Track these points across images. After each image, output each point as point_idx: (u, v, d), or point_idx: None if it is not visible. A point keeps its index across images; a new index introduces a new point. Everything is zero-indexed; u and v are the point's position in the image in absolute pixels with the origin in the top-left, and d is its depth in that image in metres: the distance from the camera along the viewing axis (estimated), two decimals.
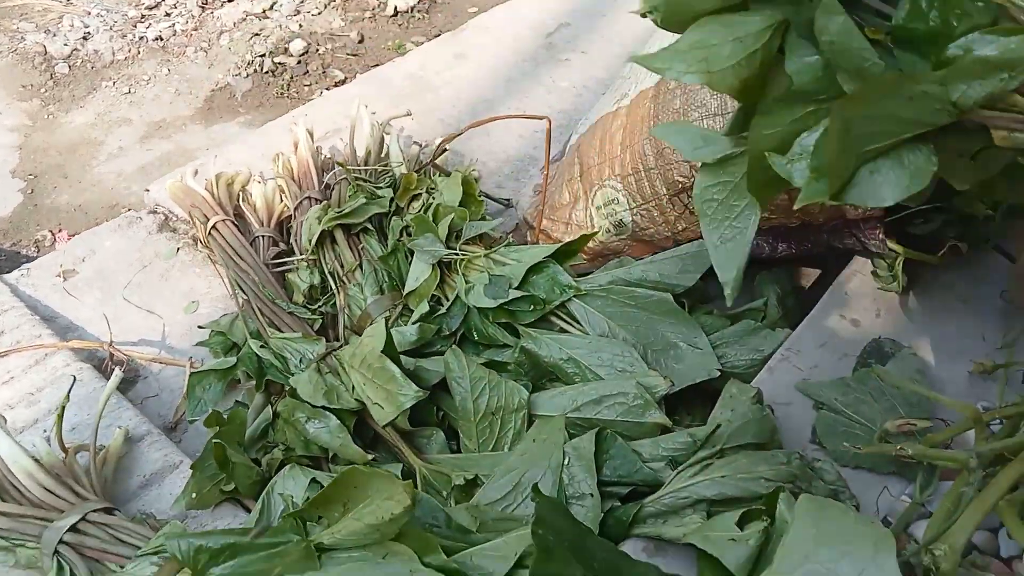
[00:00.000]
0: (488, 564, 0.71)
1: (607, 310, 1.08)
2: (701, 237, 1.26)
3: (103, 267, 1.52)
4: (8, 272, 1.53)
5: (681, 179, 1.17)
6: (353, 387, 1.02)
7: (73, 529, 0.81)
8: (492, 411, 0.99)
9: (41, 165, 2.16)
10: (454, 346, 1.08)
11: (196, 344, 1.30)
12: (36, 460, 0.88)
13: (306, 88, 2.42)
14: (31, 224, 1.97)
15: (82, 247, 1.57)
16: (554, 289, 1.09)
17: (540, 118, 1.22)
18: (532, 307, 1.08)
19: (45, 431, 1.08)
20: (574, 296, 1.08)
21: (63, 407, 0.94)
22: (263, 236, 1.40)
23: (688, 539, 0.78)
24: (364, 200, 1.31)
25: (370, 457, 1.00)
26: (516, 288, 1.09)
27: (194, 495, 0.96)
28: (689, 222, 1.21)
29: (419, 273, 1.15)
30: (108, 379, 1.23)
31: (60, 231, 1.91)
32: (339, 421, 1.01)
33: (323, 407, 1.02)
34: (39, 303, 1.45)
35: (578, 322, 1.09)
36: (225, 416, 1.05)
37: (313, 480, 0.94)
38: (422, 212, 1.26)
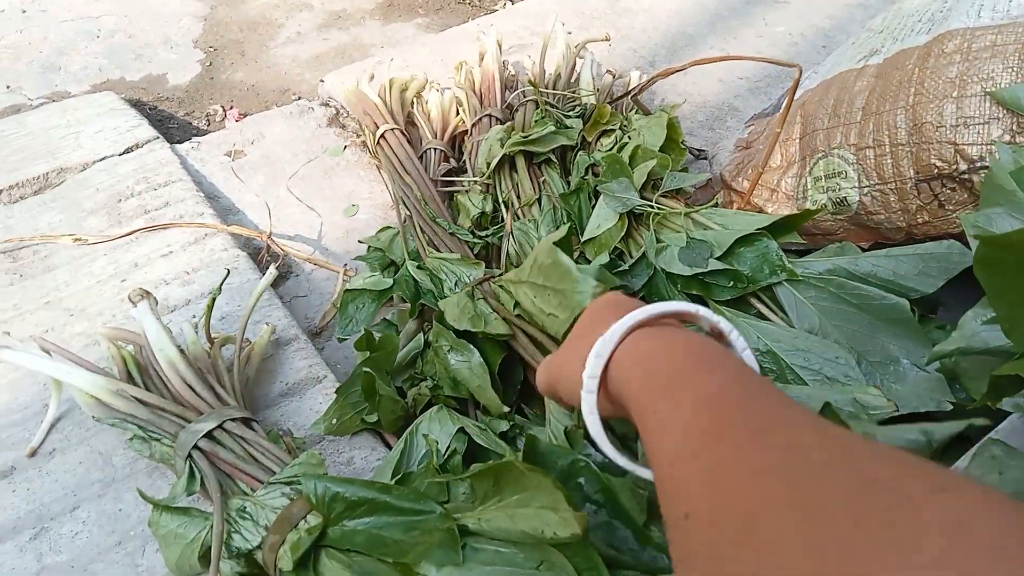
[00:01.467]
0: None
1: (821, 303, 0.92)
2: (942, 235, 1.06)
3: (270, 153, 1.48)
4: (180, 143, 1.51)
5: (939, 163, 0.97)
6: (515, 307, 0.89)
7: (209, 436, 0.75)
8: None
9: (222, 39, 2.16)
10: None
11: (354, 259, 1.23)
12: (181, 350, 0.83)
13: None
14: (205, 97, 1.97)
15: (252, 129, 1.53)
16: (763, 268, 0.93)
17: (792, 65, 1.03)
18: (733, 283, 0.93)
19: (194, 316, 1.05)
20: (785, 280, 0.92)
21: (214, 297, 0.89)
22: (434, 149, 1.30)
23: None
24: (552, 128, 1.17)
25: (505, 410, 0.89)
26: (718, 259, 0.93)
27: (335, 421, 0.90)
28: (934, 215, 1.01)
29: (604, 219, 1.02)
30: (262, 270, 1.19)
31: (231, 107, 1.90)
32: (482, 359, 0.90)
33: (467, 334, 0.92)
34: (205, 179, 1.42)
35: (783, 311, 0.93)
36: (376, 338, 0.97)
37: (461, 430, 0.85)
38: (615, 151, 1.11)
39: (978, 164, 0.95)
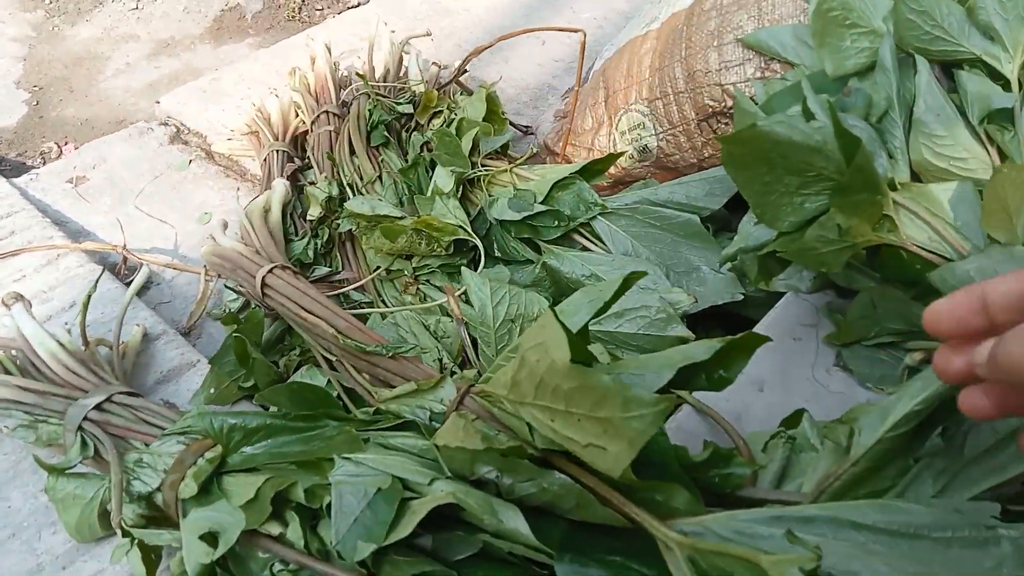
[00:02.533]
0: None
1: (631, 230, 1.07)
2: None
3: (114, 175, 1.50)
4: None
5: (712, 103, 1.15)
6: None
7: (98, 408, 0.80)
8: (511, 318, 0.98)
9: (46, 77, 2.12)
10: (464, 264, 1.08)
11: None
12: (60, 344, 0.87)
13: (318, 12, 2.36)
14: (36, 136, 1.94)
15: (92, 155, 1.54)
16: (579, 206, 1.07)
17: (575, 30, 1.19)
18: (556, 223, 1.07)
19: (67, 324, 1.07)
20: (599, 214, 1.07)
21: (89, 296, 0.93)
22: (277, 151, 1.37)
23: None
24: (383, 115, 1.28)
25: None
26: (541, 203, 1.07)
27: (212, 390, 0.96)
28: (716, 148, 1.19)
29: (442, 184, 1.13)
30: (121, 282, 1.22)
31: (66, 143, 1.88)
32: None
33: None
34: (49, 207, 1.42)
35: (601, 241, 1.08)
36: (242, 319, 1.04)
37: (329, 381, 0.94)
38: (444, 127, 1.23)
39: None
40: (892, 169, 0.86)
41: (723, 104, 1.14)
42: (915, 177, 0.86)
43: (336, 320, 0.89)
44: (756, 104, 1.04)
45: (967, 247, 0.77)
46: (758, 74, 1.12)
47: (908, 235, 0.79)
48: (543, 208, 1.06)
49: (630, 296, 0.97)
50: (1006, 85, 0.80)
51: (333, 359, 0.95)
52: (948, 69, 0.88)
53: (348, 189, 1.21)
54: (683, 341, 0.93)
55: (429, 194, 1.12)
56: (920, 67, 0.85)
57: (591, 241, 1.08)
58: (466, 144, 1.16)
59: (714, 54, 1.15)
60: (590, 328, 0.97)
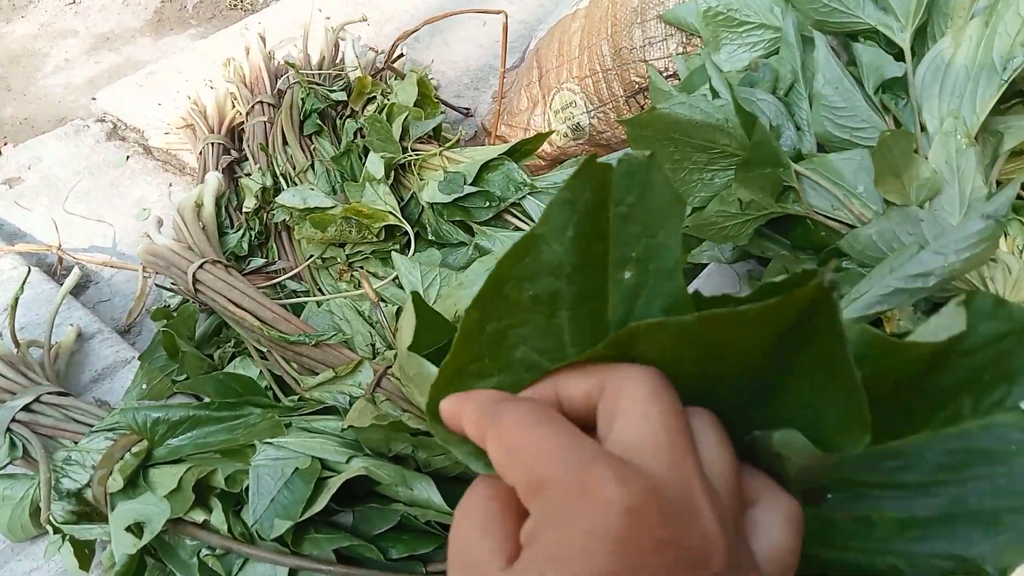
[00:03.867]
0: None
1: None
2: None
3: (49, 175, 1.48)
4: None
5: (638, 79, 1.17)
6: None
7: (26, 409, 0.81)
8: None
9: None
10: (395, 250, 1.09)
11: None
12: None
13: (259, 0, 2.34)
14: None
15: (27, 155, 1.52)
16: (509, 186, 1.08)
17: (497, 12, 1.19)
18: (487, 204, 1.08)
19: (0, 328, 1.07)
20: (529, 194, 1.08)
21: (17, 298, 0.93)
22: (212, 144, 1.37)
23: None
24: (317, 103, 1.28)
25: None
26: (471, 185, 1.08)
27: (144, 386, 0.96)
28: None
29: (374, 170, 1.14)
30: (57, 282, 1.22)
31: (5, 143, 1.85)
32: None
33: None
34: None
35: (532, 220, 1.09)
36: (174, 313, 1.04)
37: (261, 372, 0.95)
38: (377, 113, 1.24)
39: (665, 75, 1.15)
40: (799, 142, 0.88)
41: (647, 80, 1.16)
42: (821, 149, 0.89)
43: (263, 312, 0.90)
44: (679, 80, 1.06)
45: (868, 213, 0.80)
46: (680, 49, 1.13)
47: (811, 204, 0.82)
48: (473, 190, 1.07)
49: None
50: (899, 55, 0.82)
51: (264, 350, 0.96)
52: (847, 41, 0.90)
53: (282, 179, 1.22)
54: None
55: (360, 180, 1.12)
56: (817, 41, 0.87)
57: (523, 221, 1.10)
58: (397, 129, 1.17)
59: (638, 31, 1.17)
60: None
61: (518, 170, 1.09)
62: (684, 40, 1.13)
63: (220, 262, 1.02)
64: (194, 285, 1.00)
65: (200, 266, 1.00)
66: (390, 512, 0.66)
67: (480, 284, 0.64)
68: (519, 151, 1.13)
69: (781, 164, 0.81)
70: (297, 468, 0.67)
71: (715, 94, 0.90)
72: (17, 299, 0.92)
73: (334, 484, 0.65)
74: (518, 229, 1.10)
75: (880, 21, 0.84)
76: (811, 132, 0.89)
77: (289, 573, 0.66)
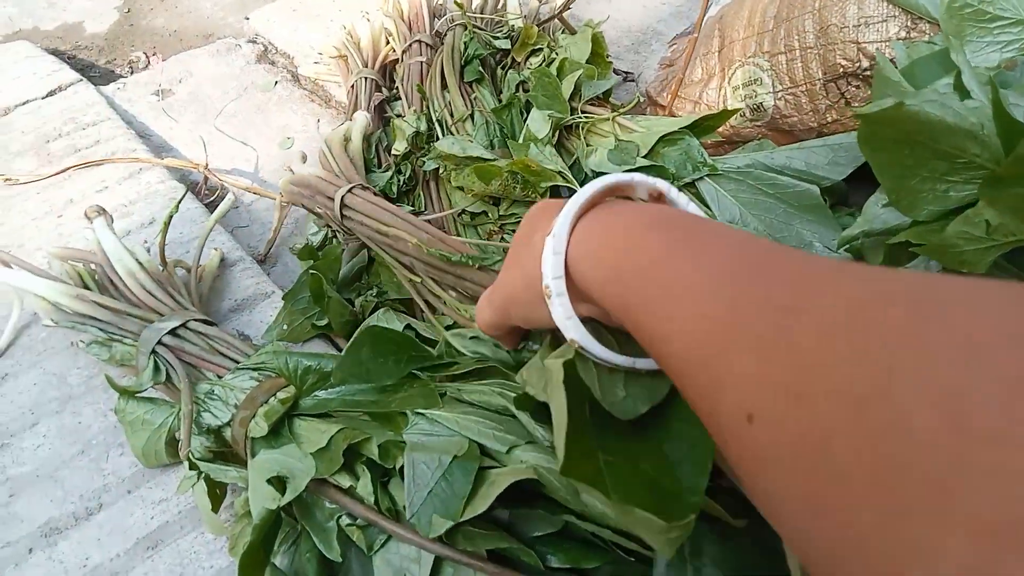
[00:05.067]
0: None
1: (741, 195, 0.98)
2: (850, 131, 1.14)
3: (199, 91, 1.47)
4: (103, 86, 1.49)
5: (844, 62, 1.04)
6: None
7: (172, 333, 0.78)
8: None
9: None
10: None
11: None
12: (139, 263, 0.85)
13: None
14: (126, 44, 1.92)
15: (179, 68, 1.51)
16: (686, 164, 0.98)
17: None
18: None
19: (146, 242, 1.05)
20: (707, 175, 0.98)
21: (171, 216, 0.90)
22: (366, 78, 1.32)
23: None
24: (479, 48, 1.20)
25: None
26: (644, 157, 0.99)
27: (286, 327, 0.92)
28: (841, 113, 1.08)
29: (537, 129, 1.06)
30: (200, 201, 1.19)
31: (154, 53, 1.86)
32: None
33: None
34: (134, 119, 1.41)
35: (707, 206, 0.99)
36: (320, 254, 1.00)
37: (408, 326, 0.90)
38: (544, 67, 1.15)
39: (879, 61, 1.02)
40: None
41: (857, 64, 1.03)
42: None
43: (418, 232, 0.84)
44: (897, 70, 0.93)
45: None
46: (902, 34, 1.00)
47: None
48: (646, 163, 0.98)
49: None
50: None
51: (418, 280, 0.90)
52: None
53: (437, 125, 1.15)
54: None
55: (522, 140, 1.04)
56: None
57: (696, 204, 1.00)
58: (567, 87, 1.08)
59: (853, 7, 1.03)
60: None
61: (699, 148, 0.99)
62: (908, 24, 1.00)
63: (369, 188, 0.97)
64: (342, 211, 0.95)
65: (349, 190, 0.95)
66: (555, 518, 0.60)
67: None
68: (700, 127, 1.02)
69: None
70: (456, 457, 0.61)
71: (964, 93, 0.77)
72: (171, 217, 0.89)
73: (500, 482, 0.59)
74: None
75: None
76: None
77: (434, 561, 0.61)
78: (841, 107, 1.08)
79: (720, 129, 1.20)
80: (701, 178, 0.99)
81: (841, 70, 1.05)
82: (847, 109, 1.07)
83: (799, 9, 1.10)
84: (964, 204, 0.74)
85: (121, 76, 1.79)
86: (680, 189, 1.00)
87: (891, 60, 1.00)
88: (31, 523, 0.76)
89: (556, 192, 1.03)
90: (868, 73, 1.04)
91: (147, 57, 1.87)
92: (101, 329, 0.80)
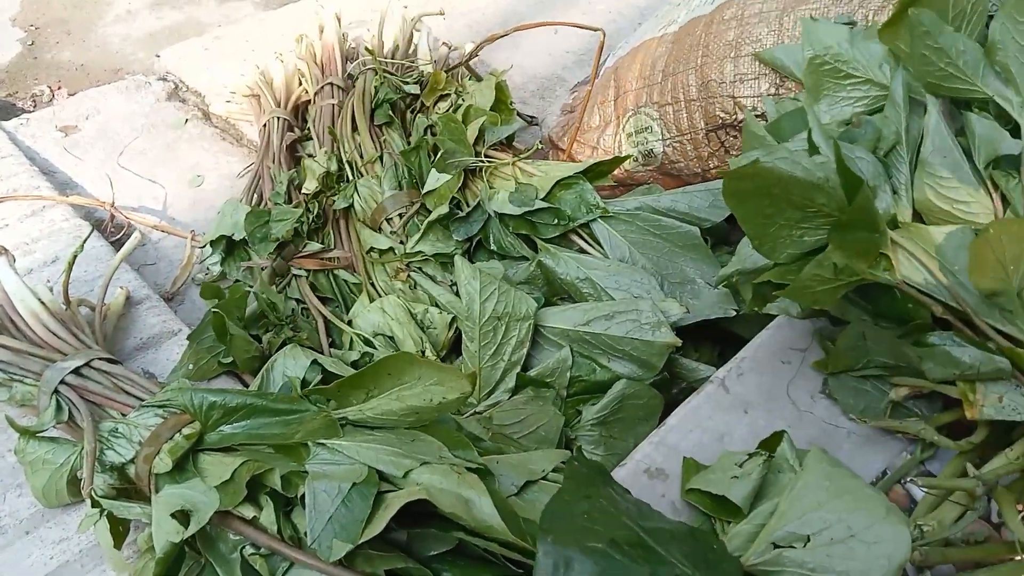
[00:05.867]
0: (510, 472, 0.71)
1: (630, 236, 1.06)
2: None
3: (107, 128, 1.46)
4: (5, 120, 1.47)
5: (723, 115, 1.14)
6: None
7: (76, 372, 0.79)
8: (498, 316, 0.97)
9: (44, 17, 2.07)
10: (459, 254, 1.06)
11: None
12: (42, 302, 0.85)
13: None
14: (29, 77, 1.89)
15: (86, 104, 1.50)
16: (581, 207, 1.06)
17: (595, 29, 1.17)
18: (556, 221, 1.05)
19: (49, 280, 1.05)
20: (599, 217, 1.06)
21: (75, 255, 0.91)
22: (278, 118, 1.35)
23: (692, 485, 0.78)
24: (389, 92, 1.26)
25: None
26: (542, 200, 1.06)
27: (191, 366, 0.94)
28: (721, 160, 1.18)
29: (441, 174, 1.12)
30: (106, 239, 1.20)
31: (59, 88, 1.84)
32: None
33: None
34: (37, 155, 1.39)
35: (599, 244, 1.07)
36: (223, 289, 1.02)
37: (314, 362, 0.93)
38: (451, 112, 1.21)
39: (754, 113, 1.13)
40: (895, 206, 0.86)
41: (734, 117, 1.14)
42: (917, 216, 0.86)
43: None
44: (766, 122, 1.04)
45: (962, 293, 0.77)
46: (772, 90, 1.11)
47: (904, 275, 0.79)
48: (544, 205, 1.05)
49: (623, 300, 0.97)
50: (1015, 130, 0.80)
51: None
52: (958, 108, 0.88)
53: (347, 166, 1.19)
54: (670, 348, 0.93)
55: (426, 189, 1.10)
56: (930, 107, 0.85)
57: (589, 244, 1.08)
58: (472, 132, 1.15)
59: (730, 65, 1.14)
60: (577, 329, 0.97)
61: (592, 192, 1.07)
62: (777, 81, 1.11)
63: None
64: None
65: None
66: (448, 536, 0.64)
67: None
68: (595, 171, 1.10)
69: (878, 230, 0.78)
70: (355, 484, 0.65)
71: (814, 148, 0.88)
72: (76, 256, 0.90)
73: (394, 503, 0.63)
74: (582, 251, 1.07)
75: (999, 92, 0.81)
76: (908, 198, 0.86)
77: None
78: (721, 154, 1.18)
79: (616, 173, 1.29)
80: (594, 220, 1.06)
81: (720, 121, 1.15)
82: (726, 156, 1.18)
83: (683, 64, 1.20)
84: (817, 248, 0.83)
85: (24, 111, 1.76)
86: (576, 231, 1.08)
87: (762, 114, 1.11)
88: None
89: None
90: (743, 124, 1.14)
91: (52, 91, 1.84)
92: (1, 370, 0.80)
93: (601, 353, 0.97)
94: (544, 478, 0.73)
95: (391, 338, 1.04)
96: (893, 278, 0.80)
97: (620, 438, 0.92)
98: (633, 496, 0.69)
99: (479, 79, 1.34)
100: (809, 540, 0.65)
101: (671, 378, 0.97)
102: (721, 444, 0.85)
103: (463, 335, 0.99)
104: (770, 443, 0.79)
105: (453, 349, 1.06)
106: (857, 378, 0.90)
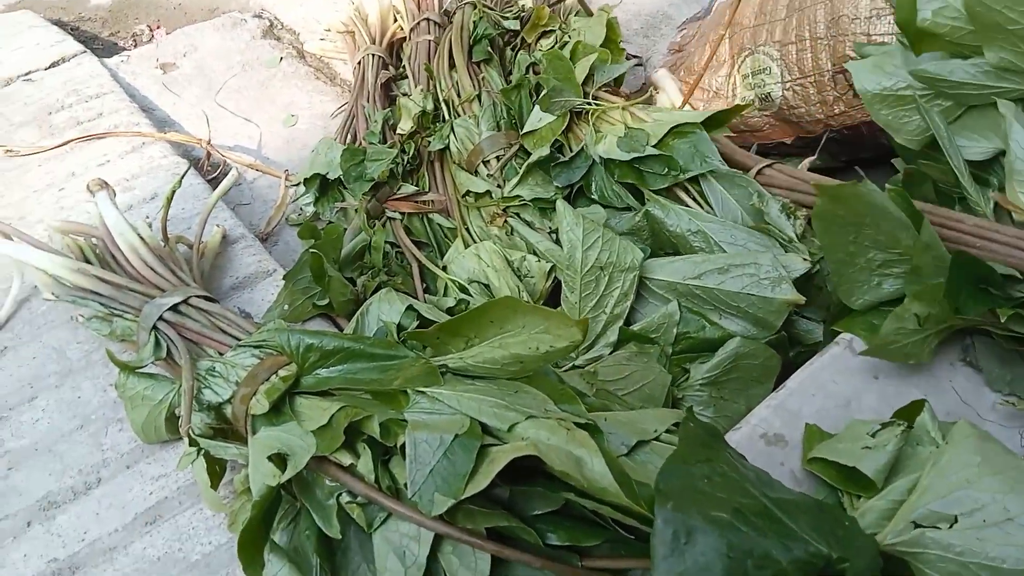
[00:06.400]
0: (620, 431, 0.66)
1: (744, 202, 0.97)
2: (856, 124, 1.13)
3: (203, 65, 1.45)
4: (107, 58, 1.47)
5: (853, 55, 1.03)
6: None
7: (174, 309, 0.78)
8: (601, 265, 0.91)
9: None
10: (560, 199, 1.00)
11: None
12: (141, 238, 0.84)
13: None
14: (130, 16, 1.91)
15: (183, 42, 1.50)
16: (695, 158, 0.97)
17: None
18: (667, 171, 0.98)
19: (148, 217, 1.05)
20: (713, 175, 0.97)
21: (173, 191, 0.89)
22: (373, 55, 1.31)
23: (817, 454, 0.71)
24: (488, 28, 1.19)
25: None
26: (653, 147, 0.98)
27: (287, 306, 0.92)
28: (849, 104, 1.08)
29: (544, 113, 1.05)
30: (203, 177, 1.19)
31: (158, 27, 1.84)
32: None
33: None
34: (137, 92, 1.40)
35: (708, 204, 0.99)
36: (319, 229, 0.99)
37: (409, 307, 0.89)
38: (556, 49, 1.14)
39: None
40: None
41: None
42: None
43: None
44: None
45: None
46: None
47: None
48: (655, 152, 0.97)
49: (738, 253, 0.90)
50: None
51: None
52: None
53: (444, 105, 1.14)
54: (791, 305, 0.86)
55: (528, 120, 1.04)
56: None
57: (697, 202, 0.99)
58: (581, 71, 1.07)
59: None
60: (688, 282, 0.91)
61: (708, 142, 0.98)
62: None
63: None
64: None
65: None
66: (555, 496, 0.60)
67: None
68: (711, 121, 1.01)
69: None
70: (456, 435, 0.61)
71: None
72: (174, 192, 0.89)
73: (499, 460, 0.59)
74: (689, 208, 0.99)
75: None
76: None
77: (433, 539, 0.61)
78: (849, 98, 1.08)
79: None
80: (707, 177, 0.98)
81: (850, 61, 1.04)
82: (855, 101, 1.07)
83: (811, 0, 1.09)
84: (893, 297, 0.76)
85: (124, 49, 1.78)
86: (684, 186, 1.00)
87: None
88: (29, 496, 0.76)
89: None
90: None
91: (151, 30, 1.85)
92: (102, 304, 0.80)
93: (712, 309, 0.90)
94: (656, 439, 0.67)
95: (486, 286, 1.00)
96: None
97: (732, 400, 0.85)
98: (750, 463, 0.63)
99: (589, 13, 1.26)
100: (956, 521, 0.58)
101: (788, 339, 0.89)
102: (847, 411, 0.78)
103: (563, 285, 0.94)
104: (907, 412, 0.71)
105: (550, 300, 1.01)
106: (1006, 339, 0.80)
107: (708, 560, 0.49)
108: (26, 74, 1.38)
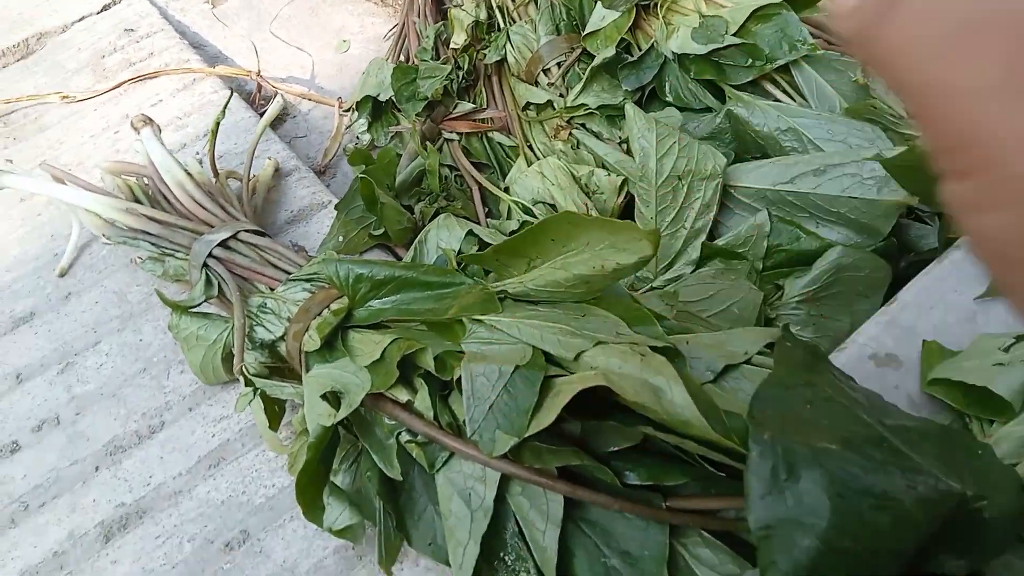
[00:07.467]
0: (705, 354, 0.58)
1: (842, 87, 0.85)
2: None
3: None
4: None
5: None
6: None
7: (223, 245, 0.74)
8: (678, 174, 0.82)
9: None
10: (630, 103, 0.90)
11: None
12: (188, 173, 0.80)
13: None
14: None
15: None
16: (782, 44, 0.86)
17: None
18: (750, 62, 0.87)
19: (198, 153, 1.02)
20: (806, 61, 0.85)
21: (218, 123, 0.85)
22: None
23: (939, 374, 0.62)
24: None
25: None
26: (733, 35, 0.87)
27: (341, 238, 0.87)
28: None
29: (607, 10, 0.95)
30: (255, 111, 1.14)
31: None
32: None
33: None
34: (187, 29, 1.36)
35: (801, 95, 0.87)
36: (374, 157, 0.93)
37: (470, 233, 0.83)
38: None
39: None
40: None
41: None
42: None
43: None
44: None
45: None
46: None
47: None
48: (736, 41, 0.86)
49: (837, 152, 0.79)
50: None
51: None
52: None
53: (497, 12, 1.05)
54: (901, 208, 0.75)
55: (588, 22, 0.93)
56: None
57: (788, 95, 0.88)
58: None
59: None
60: (779, 187, 0.80)
61: (798, 24, 0.86)
62: None
63: None
64: None
65: None
66: (632, 431, 0.53)
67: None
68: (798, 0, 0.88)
69: None
70: (518, 367, 0.55)
71: None
72: (218, 124, 0.85)
73: (565, 393, 0.52)
74: (778, 102, 0.88)
75: None
76: None
77: (500, 479, 0.56)
78: None
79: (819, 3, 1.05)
80: (798, 63, 0.86)
81: None
82: None
83: None
84: None
85: None
86: (772, 78, 0.88)
87: None
88: (96, 441, 0.75)
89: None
90: None
91: None
92: (153, 244, 0.77)
93: (808, 217, 0.79)
94: (747, 362, 0.59)
95: (552, 206, 0.92)
96: None
97: (834, 317, 0.76)
98: (860, 385, 0.54)
99: None
100: None
101: (899, 246, 0.78)
102: (973, 326, 0.67)
103: (636, 199, 0.85)
104: None
105: (624, 217, 0.93)
106: None
107: (814, 500, 0.41)
108: (80, 19, 1.36)
